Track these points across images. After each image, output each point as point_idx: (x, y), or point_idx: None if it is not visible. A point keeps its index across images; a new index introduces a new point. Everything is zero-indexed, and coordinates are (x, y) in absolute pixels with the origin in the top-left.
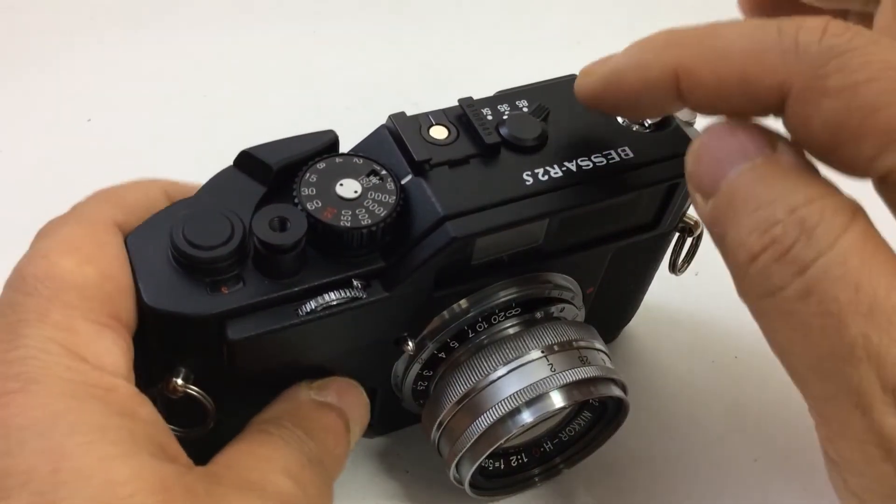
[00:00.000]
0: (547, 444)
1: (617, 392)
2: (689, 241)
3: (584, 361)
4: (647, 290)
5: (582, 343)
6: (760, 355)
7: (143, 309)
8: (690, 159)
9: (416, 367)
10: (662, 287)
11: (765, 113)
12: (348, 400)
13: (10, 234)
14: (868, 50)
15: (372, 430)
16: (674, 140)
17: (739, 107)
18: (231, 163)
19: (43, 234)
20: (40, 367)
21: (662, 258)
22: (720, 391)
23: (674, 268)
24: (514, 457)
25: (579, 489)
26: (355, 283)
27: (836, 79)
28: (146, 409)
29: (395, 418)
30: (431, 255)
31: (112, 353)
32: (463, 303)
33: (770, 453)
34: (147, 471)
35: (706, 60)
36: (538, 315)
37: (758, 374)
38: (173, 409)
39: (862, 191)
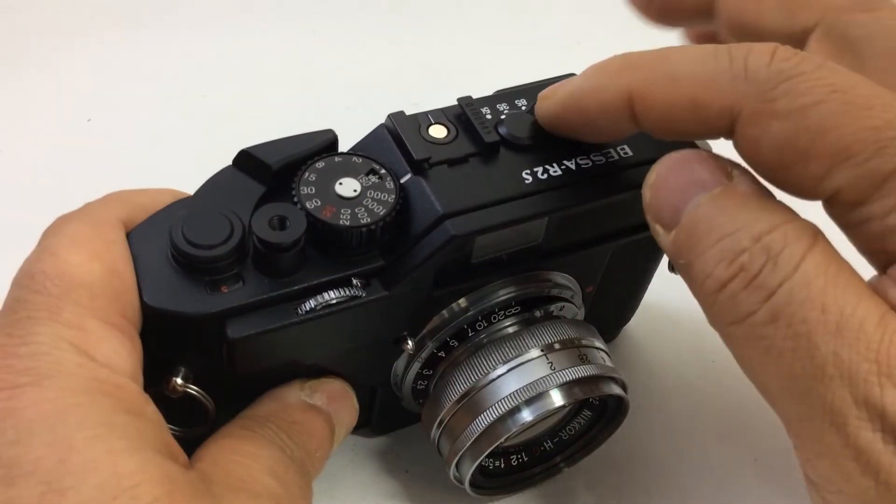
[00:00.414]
0: (547, 443)
1: (617, 390)
2: None
3: (583, 360)
4: (646, 288)
5: (582, 342)
6: None
7: (142, 308)
8: (648, 192)
9: (415, 366)
10: (662, 287)
11: (716, 136)
12: (337, 404)
13: (10, 233)
14: (815, 74)
15: (372, 429)
16: None
17: (691, 130)
18: (230, 163)
19: (50, 232)
20: (51, 362)
21: (662, 257)
22: (720, 390)
23: (673, 267)
24: (515, 456)
25: (580, 488)
26: (355, 281)
27: (785, 102)
28: (151, 409)
29: (394, 418)
30: (431, 253)
31: (120, 354)
32: (462, 301)
33: (770, 453)
34: (152, 465)
35: (658, 85)
36: (538, 314)
37: None
38: (172, 409)
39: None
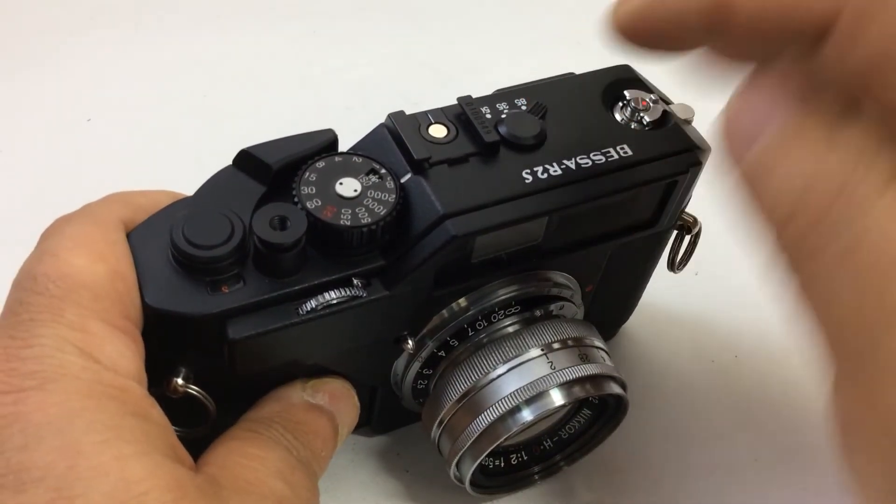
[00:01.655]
0: (547, 442)
1: (616, 390)
2: (687, 238)
3: (583, 359)
4: (645, 287)
5: (582, 341)
6: (760, 355)
7: (143, 309)
8: (724, 117)
9: (415, 366)
10: (662, 286)
11: (803, 45)
12: (339, 403)
13: (10, 233)
14: None
15: (372, 428)
16: (672, 138)
17: (780, 33)
18: (230, 162)
19: (50, 233)
20: (56, 365)
21: (661, 256)
22: (720, 391)
23: (672, 266)
24: (515, 455)
25: (579, 487)
26: (355, 281)
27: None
28: (157, 412)
29: (395, 417)
30: (431, 253)
31: (124, 356)
32: (462, 301)
33: (770, 453)
34: (161, 470)
35: None
36: (538, 313)
37: (758, 373)
38: (173, 410)
39: None
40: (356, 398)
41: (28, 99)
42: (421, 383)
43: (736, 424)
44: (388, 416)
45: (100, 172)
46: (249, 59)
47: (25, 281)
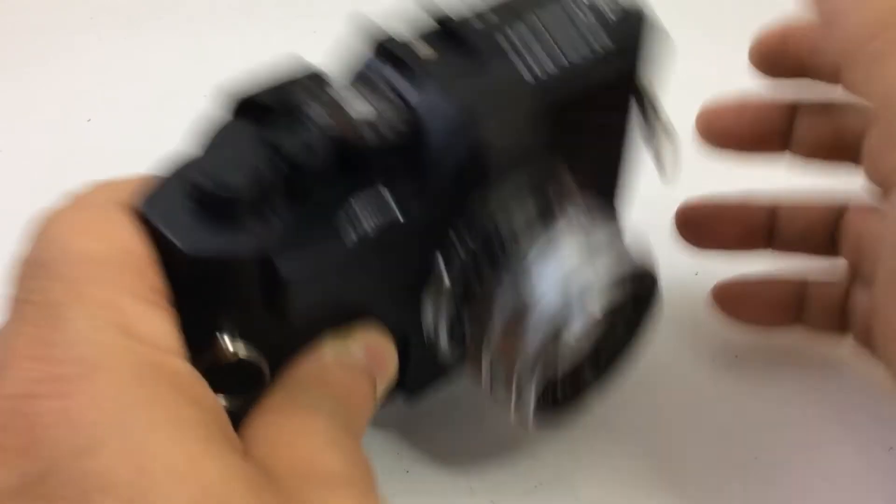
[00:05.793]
0: (587, 369)
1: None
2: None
3: (619, 257)
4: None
5: (610, 237)
6: (760, 355)
7: (177, 267)
8: None
9: (448, 298)
10: (662, 286)
11: None
12: (376, 354)
13: (9, 233)
14: None
15: (407, 389)
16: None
17: None
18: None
19: (43, 222)
20: (97, 349)
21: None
22: (720, 391)
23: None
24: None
25: (579, 485)
26: (392, 205)
27: None
28: (209, 393)
29: (429, 373)
30: (456, 165)
31: (163, 329)
32: (487, 221)
33: (770, 453)
34: (235, 469)
35: None
36: (560, 222)
37: (758, 373)
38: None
39: None
40: (393, 347)
41: (28, 99)
42: (457, 321)
43: (736, 423)
44: (422, 371)
45: (100, 172)
46: (249, 58)
47: (32, 270)
